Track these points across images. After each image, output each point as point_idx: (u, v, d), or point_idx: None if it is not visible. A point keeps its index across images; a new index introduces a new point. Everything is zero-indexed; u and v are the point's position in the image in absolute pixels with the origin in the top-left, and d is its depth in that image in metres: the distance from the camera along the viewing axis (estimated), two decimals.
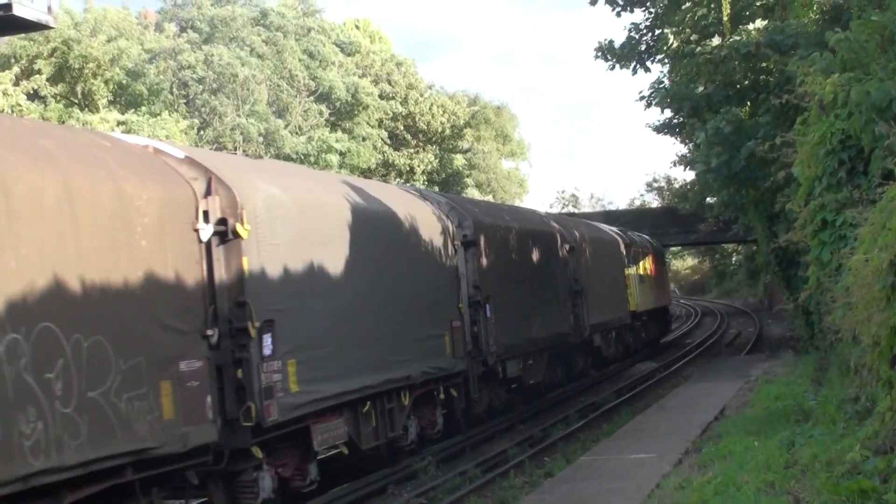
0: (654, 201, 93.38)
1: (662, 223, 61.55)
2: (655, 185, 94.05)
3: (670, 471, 14.98)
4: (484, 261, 22.57)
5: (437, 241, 20.13)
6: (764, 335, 48.63)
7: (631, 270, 39.17)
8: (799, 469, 11.47)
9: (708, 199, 43.31)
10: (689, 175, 46.82)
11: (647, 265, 43.75)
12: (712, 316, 71.47)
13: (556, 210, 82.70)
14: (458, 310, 20.98)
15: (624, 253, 38.30)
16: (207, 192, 13.09)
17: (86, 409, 10.23)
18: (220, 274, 13.04)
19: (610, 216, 60.42)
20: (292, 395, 14.02)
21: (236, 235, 13.11)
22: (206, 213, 12.88)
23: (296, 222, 14.73)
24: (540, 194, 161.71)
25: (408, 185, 44.65)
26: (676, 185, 73.14)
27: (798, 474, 11.27)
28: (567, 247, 29.67)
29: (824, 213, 14.13)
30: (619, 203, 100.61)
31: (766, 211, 27.82)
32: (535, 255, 26.94)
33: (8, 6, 20.77)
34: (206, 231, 12.80)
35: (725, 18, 27.01)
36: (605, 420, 24.25)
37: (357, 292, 16.26)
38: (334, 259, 15.77)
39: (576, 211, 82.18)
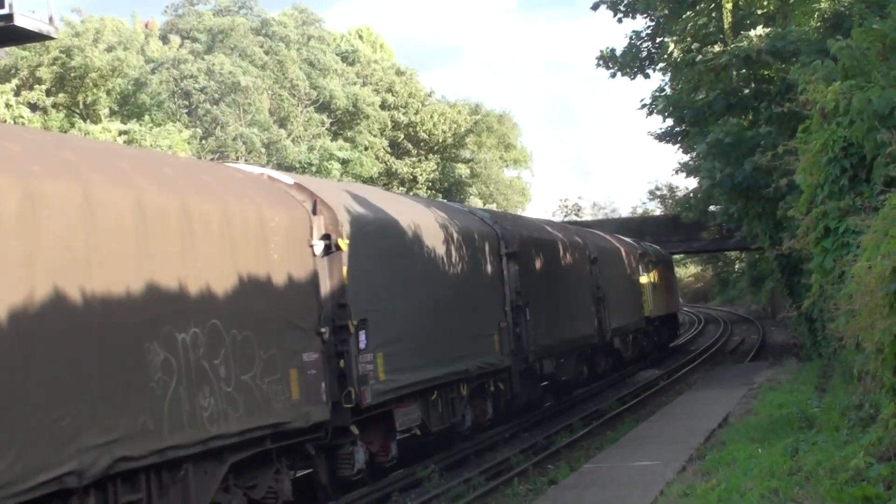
0: (657, 209, 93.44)
1: (665, 231, 61.53)
2: (658, 192, 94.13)
3: (674, 478, 14.98)
4: (523, 269, 25.35)
5: (487, 251, 23.47)
6: (767, 342, 48.60)
7: (645, 279, 41.83)
8: (803, 476, 11.47)
9: (711, 207, 43.36)
10: (692, 183, 46.88)
11: (658, 274, 46.04)
12: (715, 323, 71.43)
13: (558, 218, 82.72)
14: (503, 312, 24.02)
15: (638, 262, 40.93)
16: (314, 213, 15.70)
17: (241, 389, 13.01)
18: (325, 281, 15.72)
19: (613, 224, 60.46)
20: (381, 383, 16.83)
21: (337, 248, 15.92)
22: (314, 231, 15.69)
23: (379, 237, 17.70)
24: (542, 203, 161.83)
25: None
26: (679, 194, 73.16)
27: (802, 481, 11.28)
28: (591, 257, 32.68)
29: (827, 220, 14.14)
30: (622, 211, 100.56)
31: (768, 219, 27.84)
32: (566, 265, 29.91)
33: (9, 17, 20.80)
34: (319, 246, 15.57)
35: (727, 26, 27.04)
36: (609, 428, 24.26)
37: (428, 296, 19.39)
38: (410, 268, 18.88)
39: (578, 219, 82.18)
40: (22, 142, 11.12)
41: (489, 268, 23.55)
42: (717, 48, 26.61)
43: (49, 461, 9.87)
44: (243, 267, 13.46)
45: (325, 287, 15.60)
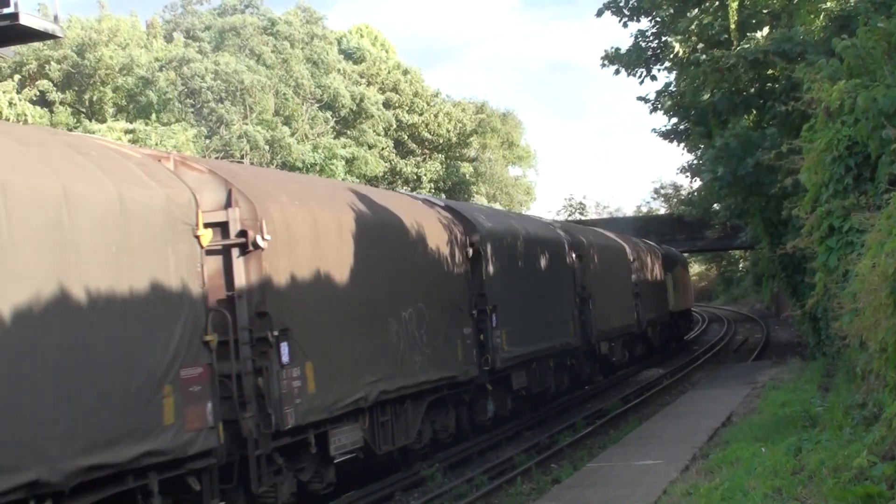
0: (661, 208, 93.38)
1: (669, 230, 61.61)
2: (662, 191, 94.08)
3: (677, 477, 14.98)
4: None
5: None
6: (771, 341, 48.61)
7: (667, 278, 48.08)
8: (806, 475, 11.47)
9: (714, 205, 43.39)
10: (695, 183, 46.90)
11: (677, 273, 52.24)
12: (719, 322, 71.43)
13: (562, 217, 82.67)
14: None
15: (663, 264, 46.57)
16: (465, 231, 21.96)
17: (433, 351, 19.27)
18: (471, 277, 21.99)
19: (617, 223, 60.49)
20: (505, 352, 22.63)
21: (477, 253, 22.25)
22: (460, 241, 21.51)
23: (505, 247, 24.42)
24: (546, 201, 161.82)
25: (415, 192, 44.81)
26: (683, 193, 73.11)
27: (805, 480, 11.27)
28: (631, 259, 38.43)
29: (831, 219, 14.13)
30: (626, 210, 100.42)
31: (772, 217, 27.82)
32: (613, 267, 35.09)
33: (14, 15, 20.77)
34: (469, 252, 21.78)
35: (732, 26, 27.02)
36: (612, 427, 24.27)
37: (527, 290, 24.89)
38: (515, 269, 24.79)
39: (582, 218, 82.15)
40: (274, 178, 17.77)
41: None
42: (721, 52, 26.55)
43: (352, 391, 15.95)
44: (435, 266, 20.15)
45: (471, 281, 21.79)
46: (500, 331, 22.55)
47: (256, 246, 13.89)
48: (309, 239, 15.42)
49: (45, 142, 11.56)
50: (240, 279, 13.88)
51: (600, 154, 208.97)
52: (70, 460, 9.92)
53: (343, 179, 46.06)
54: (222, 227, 13.99)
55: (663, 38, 32.13)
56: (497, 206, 63.53)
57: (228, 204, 14.04)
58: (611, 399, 29.55)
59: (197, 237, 12.72)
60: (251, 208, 14.04)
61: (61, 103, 42.25)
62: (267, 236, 13.97)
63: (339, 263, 16.24)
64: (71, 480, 9.95)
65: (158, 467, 11.49)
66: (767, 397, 22.07)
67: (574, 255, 29.99)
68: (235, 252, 13.94)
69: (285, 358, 14.17)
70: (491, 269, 22.87)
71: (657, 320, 43.77)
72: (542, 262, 27.21)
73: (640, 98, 33.41)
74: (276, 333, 14.00)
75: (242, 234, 13.94)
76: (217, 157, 41.66)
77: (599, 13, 32.18)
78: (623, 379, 36.04)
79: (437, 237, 20.39)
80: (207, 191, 13.92)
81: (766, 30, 27.73)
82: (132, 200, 11.56)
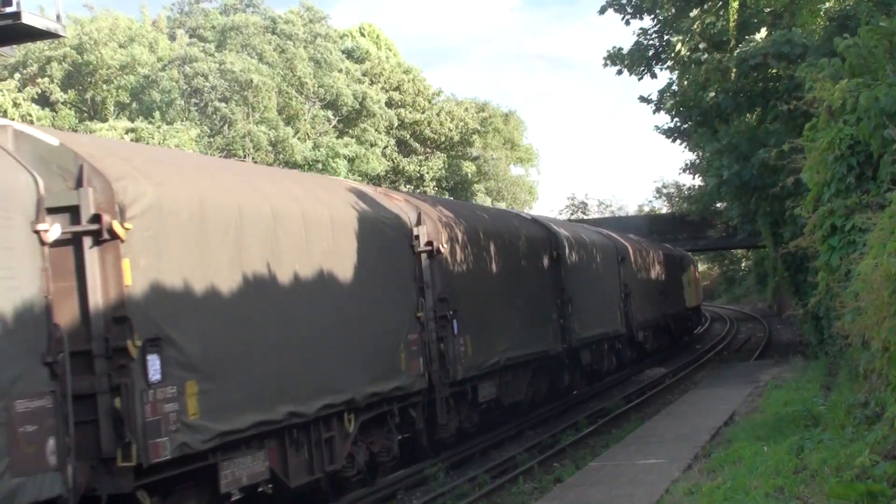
0: (663, 207, 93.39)
1: (671, 229, 61.60)
2: (665, 190, 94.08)
3: (680, 476, 14.98)
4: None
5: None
6: (773, 340, 48.60)
7: (685, 277, 53.72)
8: (808, 474, 11.46)
9: (717, 204, 43.42)
10: (698, 181, 46.93)
11: (691, 273, 58.08)
12: (721, 321, 71.42)
13: (564, 216, 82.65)
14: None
15: (665, 262, 48.42)
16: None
17: (533, 330, 24.62)
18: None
19: (620, 222, 60.49)
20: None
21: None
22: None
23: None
24: (548, 201, 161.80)
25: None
26: (686, 192, 73.15)
27: (807, 479, 11.27)
28: (662, 260, 43.41)
29: (833, 218, 14.13)
30: (629, 208, 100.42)
31: (774, 217, 27.81)
32: (652, 268, 39.94)
33: (17, 14, 20.78)
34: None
35: (732, 25, 26.99)
36: (615, 426, 24.27)
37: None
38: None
39: (585, 217, 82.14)
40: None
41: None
42: (721, 55, 26.55)
43: (494, 356, 21.61)
44: (529, 266, 25.40)
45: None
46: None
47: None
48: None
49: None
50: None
51: (602, 153, 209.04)
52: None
53: (346, 178, 46.08)
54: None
55: (665, 37, 32.12)
56: (501, 205, 63.52)
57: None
58: (613, 398, 29.54)
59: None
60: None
61: (63, 103, 42.28)
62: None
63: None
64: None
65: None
66: (769, 396, 22.06)
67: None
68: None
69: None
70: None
71: (680, 314, 48.46)
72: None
73: (642, 99, 33.39)
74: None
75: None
76: (220, 157, 41.70)
77: (602, 10, 32.22)
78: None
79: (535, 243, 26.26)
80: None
81: (764, 31, 27.67)
82: None
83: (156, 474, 11.52)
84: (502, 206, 63.23)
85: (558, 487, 16.24)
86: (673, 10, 30.37)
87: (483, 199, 62.77)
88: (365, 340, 16.42)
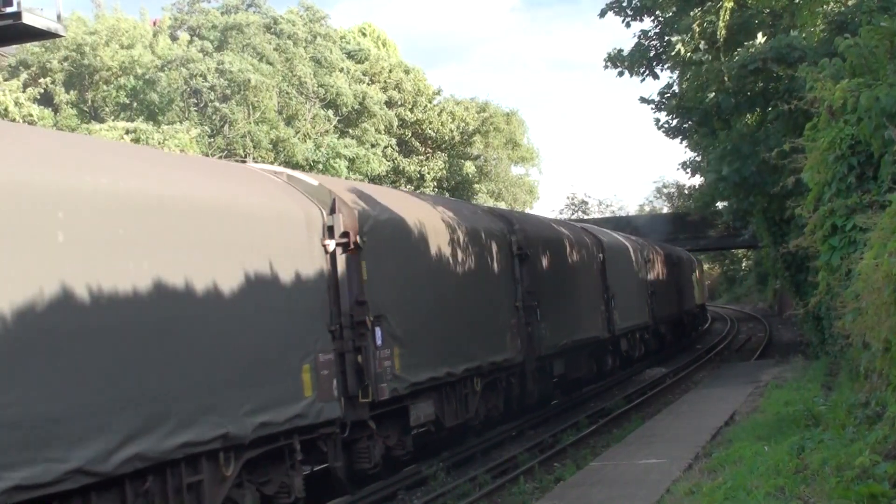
0: (664, 206, 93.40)
1: (672, 229, 61.62)
2: (665, 190, 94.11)
3: (680, 476, 14.98)
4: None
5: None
6: (774, 340, 48.61)
7: (694, 277, 59.18)
8: (809, 474, 11.46)
9: (717, 204, 43.41)
10: (697, 180, 46.98)
11: (698, 274, 63.47)
12: (722, 321, 71.43)
13: (565, 216, 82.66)
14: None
15: (692, 265, 56.95)
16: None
17: (572, 321, 27.43)
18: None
19: (620, 222, 60.52)
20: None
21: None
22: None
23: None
24: (549, 200, 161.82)
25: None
26: (686, 192, 73.21)
27: (808, 479, 11.27)
28: (678, 262, 47.31)
29: (834, 218, 14.13)
30: (629, 208, 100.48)
31: (774, 217, 27.82)
32: (678, 268, 44.52)
33: (17, 14, 20.80)
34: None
35: (722, 25, 26.94)
36: (616, 426, 24.27)
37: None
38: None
39: (585, 216, 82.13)
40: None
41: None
42: (721, 61, 26.55)
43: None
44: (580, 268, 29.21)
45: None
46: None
47: None
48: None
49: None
50: None
51: (603, 152, 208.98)
52: None
53: (346, 178, 46.07)
54: None
55: (666, 38, 32.11)
56: (502, 205, 63.50)
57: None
58: (614, 398, 29.55)
59: None
60: None
61: (67, 103, 42.26)
62: None
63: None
64: None
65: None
66: (770, 396, 22.07)
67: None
68: None
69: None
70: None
71: (691, 310, 54.02)
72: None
73: (643, 100, 33.37)
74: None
75: None
76: (220, 157, 41.68)
77: (602, 13, 32.20)
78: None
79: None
80: None
81: (760, 36, 27.65)
82: None
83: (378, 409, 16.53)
84: (502, 205, 63.19)
85: (559, 487, 16.23)
86: (673, 10, 30.35)
87: (484, 200, 62.73)
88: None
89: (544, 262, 27.26)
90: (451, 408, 20.14)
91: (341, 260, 16.14)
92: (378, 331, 16.54)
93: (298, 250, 15.04)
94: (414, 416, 18.30)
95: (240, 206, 13.88)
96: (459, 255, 20.83)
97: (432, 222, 20.04)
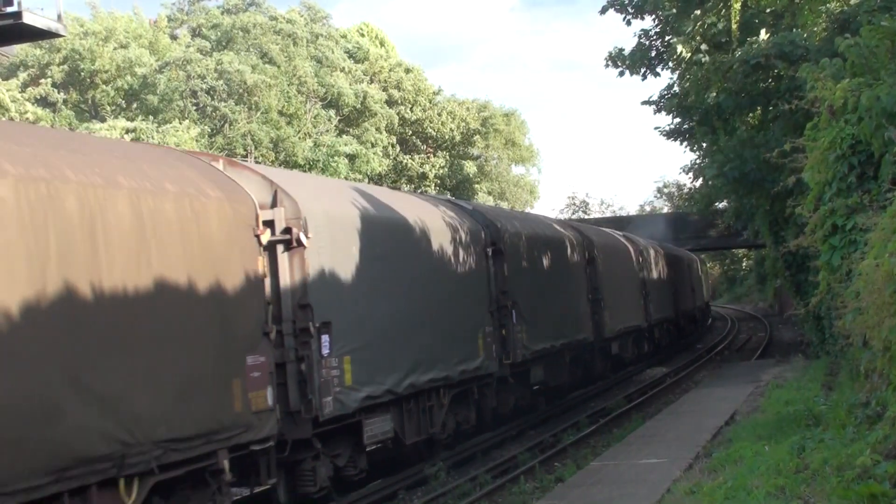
0: (664, 206, 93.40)
1: (672, 228, 61.61)
2: (666, 190, 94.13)
3: (681, 476, 14.97)
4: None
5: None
6: (774, 340, 48.60)
7: (695, 277, 61.15)
8: (809, 473, 11.47)
9: (717, 203, 43.40)
10: (699, 182, 46.96)
11: (700, 273, 65.74)
12: (722, 321, 71.43)
13: (566, 216, 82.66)
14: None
15: (698, 266, 61.98)
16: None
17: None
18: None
19: (620, 222, 60.53)
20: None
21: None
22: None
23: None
24: (549, 200, 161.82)
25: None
26: (686, 192, 73.26)
27: (808, 479, 11.27)
28: (690, 263, 54.35)
29: (834, 217, 14.13)
30: (630, 208, 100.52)
31: (775, 216, 27.81)
32: (681, 268, 48.03)
33: (18, 14, 20.81)
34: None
35: (735, 27, 26.97)
36: (616, 425, 24.26)
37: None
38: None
39: (586, 216, 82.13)
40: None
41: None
42: (722, 56, 26.53)
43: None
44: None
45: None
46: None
47: None
48: None
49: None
50: None
51: (603, 153, 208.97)
52: None
53: (346, 177, 46.08)
54: None
55: (667, 38, 32.10)
56: (503, 204, 63.52)
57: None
58: (614, 397, 29.54)
59: None
60: None
61: (64, 103, 42.28)
62: None
63: None
64: None
65: None
66: (771, 396, 22.06)
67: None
68: None
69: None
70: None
71: (700, 306, 60.35)
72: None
73: (645, 103, 33.33)
74: None
75: None
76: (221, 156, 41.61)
77: (603, 10, 32.18)
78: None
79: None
80: None
81: (763, 33, 27.65)
82: None
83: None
84: (503, 205, 63.17)
85: (560, 487, 16.23)
86: (674, 10, 30.33)
87: (485, 199, 62.73)
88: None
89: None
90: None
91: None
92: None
93: (473, 259, 19.61)
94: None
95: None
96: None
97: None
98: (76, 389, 10.29)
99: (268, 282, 14.07)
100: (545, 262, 26.75)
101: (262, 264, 13.85)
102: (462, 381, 20.33)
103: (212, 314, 12.59)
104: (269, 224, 14.42)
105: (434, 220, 20.03)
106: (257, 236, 13.80)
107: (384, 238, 17.57)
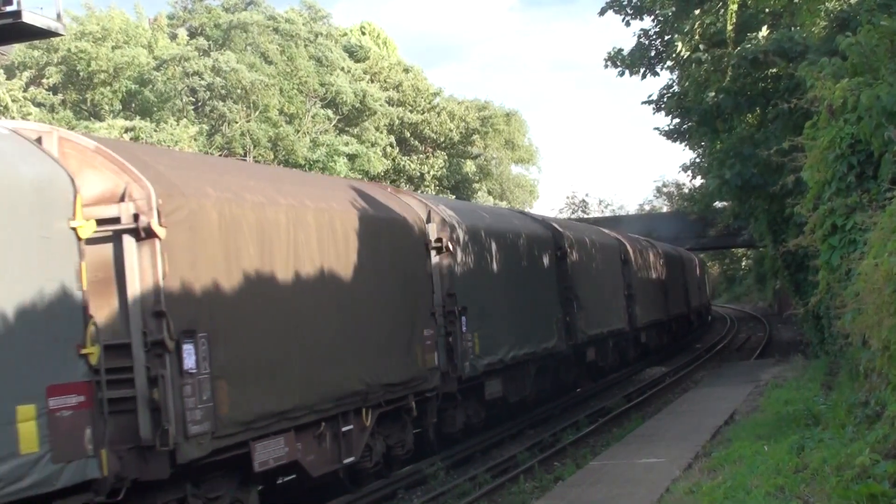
0: (664, 206, 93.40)
1: (672, 228, 61.62)
2: (665, 189, 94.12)
3: (680, 475, 14.96)
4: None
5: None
6: (774, 339, 48.60)
7: (694, 278, 61.64)
8: (809, 473, 11.45)
9: (717, 203, 43.40)
10: (698, 181, 46.97)
11: (699, 273, 66.70)
12: (722, 321, 71.42)
13: (564, 215, 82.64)
14: None
15: (700, 266, 64.95)
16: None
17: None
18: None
19: (620, 221, 60.53)
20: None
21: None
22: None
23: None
24: (549, 200, 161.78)
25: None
26: (685, 190, 73.29)
27: (808, 478, 11.26)
28: (696, 265, 57.71)
29: (834, 217, 14.12)
30: (629, 208, 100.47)
31: (775, 215, 27.80)
32: (684, 271, 50.79)
33: (17, 13, 20.79)
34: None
35: (730, 27, 26.95)
36: (616, 425, 24.25)
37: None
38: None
39: (585, 216, 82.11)
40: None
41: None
42: (721, 51, 26.51)
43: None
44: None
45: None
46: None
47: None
48: None
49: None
50: None
51: (603, 152, 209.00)
52: None
53: (346, 176, 46.09)
54: None
55: (666, 38, 32.10)
56: (503, 204, 63.54)
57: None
58: (614, 397, 29.54)
59: None
60: None
61: (62, 103, 42.30)
62: None
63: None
64: None
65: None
66: (770, 395, 22.06)
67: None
68: None
69: None
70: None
71: (704, 305, 66.76)
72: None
73: (645, 103, 33.35)
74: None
75: None
76: (221, 156, 41.67)
77: (602, 12, 32.21)
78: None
79: None
80: None
81: (764, 30, 27.63)
82: None
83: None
84: (504, 204, 63.14)
85: (559, 486, 16.22)
86: (673, 9, 30.33)
87: (485, 199, 62.74)
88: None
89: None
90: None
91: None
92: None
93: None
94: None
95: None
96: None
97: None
98: (352, 348, 15.87)
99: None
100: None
101: (429, 264, 19.44)
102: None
103: (407, 298, 18.07)
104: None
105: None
106: (425, 244, 19.20)
107: (496, 245, 23.42)
